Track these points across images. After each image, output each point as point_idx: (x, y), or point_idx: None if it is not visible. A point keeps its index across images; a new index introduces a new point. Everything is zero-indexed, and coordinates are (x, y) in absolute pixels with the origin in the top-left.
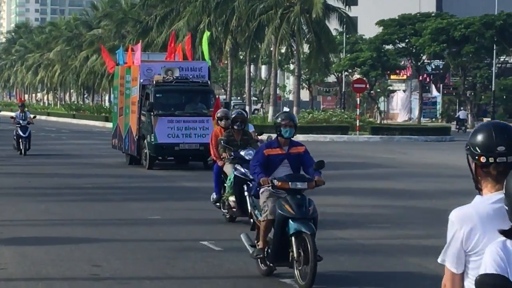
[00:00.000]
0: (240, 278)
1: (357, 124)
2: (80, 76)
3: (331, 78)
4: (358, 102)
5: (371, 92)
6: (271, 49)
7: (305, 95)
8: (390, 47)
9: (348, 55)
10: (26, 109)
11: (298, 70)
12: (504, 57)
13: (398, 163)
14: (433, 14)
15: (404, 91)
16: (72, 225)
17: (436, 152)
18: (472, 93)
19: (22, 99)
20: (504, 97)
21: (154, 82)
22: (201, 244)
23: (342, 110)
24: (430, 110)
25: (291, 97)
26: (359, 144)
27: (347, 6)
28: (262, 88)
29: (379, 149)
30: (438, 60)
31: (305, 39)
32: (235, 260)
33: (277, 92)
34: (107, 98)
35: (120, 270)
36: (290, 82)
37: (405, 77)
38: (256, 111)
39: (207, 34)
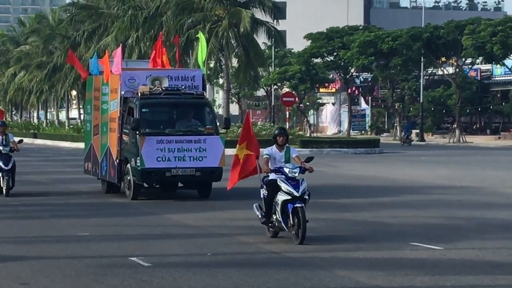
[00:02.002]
0: None
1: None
2: (8, 93)
3: (261, 92)
4: (287, 116)
5: (300, 105)
6: None
7: (234, 109)
8: (318, 60)
9: (277, 68)
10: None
11: (227, 84)
12: (432, 69)
13: (328, 176)
14: (360, 27)
15: (333, 104)
16: None
17: (366, 164)
18: (401, 105)
19: None
20: (432, 109)
21: (139, 94)
22: (130, 260)
23: (272, 124)
24: (359, 123)
25: (220, 111)
26: None
27: (275, 20)
28: None
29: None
30: (366, 73)
31: (234, 53)
32: (165, 276)
33: None
34: (35, 114)
35: (48, 287)
36: (219, 97)
37: (334, 90)
38: None
39: (201, 36)
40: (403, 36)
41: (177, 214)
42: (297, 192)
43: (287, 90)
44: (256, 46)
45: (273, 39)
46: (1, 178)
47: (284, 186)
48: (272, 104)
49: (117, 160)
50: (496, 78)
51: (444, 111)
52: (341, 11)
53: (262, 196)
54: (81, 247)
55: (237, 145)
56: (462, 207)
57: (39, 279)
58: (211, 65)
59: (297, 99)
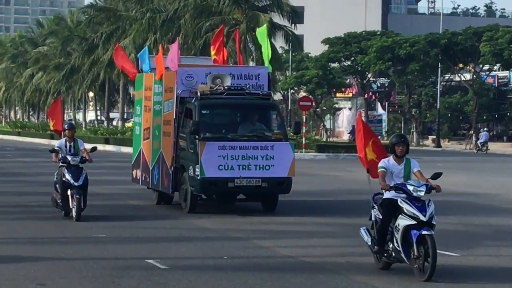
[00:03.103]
0: None
1: (303, 142)
2: (25, 94)
3: (277, 96)
4: (304, 120)
5: (317, 110)
6: None
7: None
8: (335, 65)
9: (294, 73)
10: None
11: None
12: (449, 75)
13: (344, 181)
14: (378, 33)
15: (350, 109)
16: (17, 243)
17: None
18: (417, 111)
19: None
20: (449, 115)
21: (199, 93)
22: (146, 262)
23: (288, 128)
24: (375, 128)
25: None
26: (305, 162)
27: (293, 24)
28: None
29: (325, 167)
30: (383, 78)
31: (251, 57)
32: (181, 279)
33: None
34: None
35: None
36: None
37: (350, 95)
38: None
39: (264, 28)
40: (420, 42)
41: (193, 217)
42: (424, 216)
43: (304, 94)
44: (274, 50)
45: (290, 44)
46: (70, 197)
47: (407, 208)
48: (289, 108)
49: (172, 168)
50: None
51: (460, 117)
52: (359, 16)
53: (373, 218)
54: (98, 248)
55: (360, 146)
56: (479, 214)
57: (56, 280)
58: None
59: (313, 104)
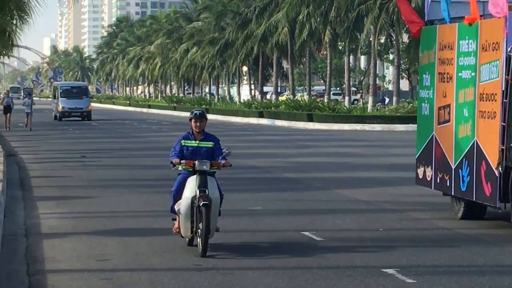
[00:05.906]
0: (343, 269)
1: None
2: (180, 69)
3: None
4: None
5: None
6: (370, 39)
7: (404, 85)
8: None
9: None
10: None
11: (398, 60)
12: None
13: None
14: None
15: None
16: (155, 216)
17: None
18: None
19: None
20: None
21: None
22: (302, 234)
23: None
24: None
25: (390, 87)
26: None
27: None
28: (362, 78)
29: None
30: None
31: (405, 28)
32: (338, 251)
33: (377, 82)
34: (207, 89)
35: (223, 260)
36: (389, 72)
37: None
38: (355, 102)
39: None
40: None
41: (347, 189)
42: None
43: None
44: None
45: None
46: None
47: None
48: None
49: (500, 168)
50: None
51: None
52: None
53: None
54: (254, 221)
55: None
56: None
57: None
58: (381, 41)
59: None
